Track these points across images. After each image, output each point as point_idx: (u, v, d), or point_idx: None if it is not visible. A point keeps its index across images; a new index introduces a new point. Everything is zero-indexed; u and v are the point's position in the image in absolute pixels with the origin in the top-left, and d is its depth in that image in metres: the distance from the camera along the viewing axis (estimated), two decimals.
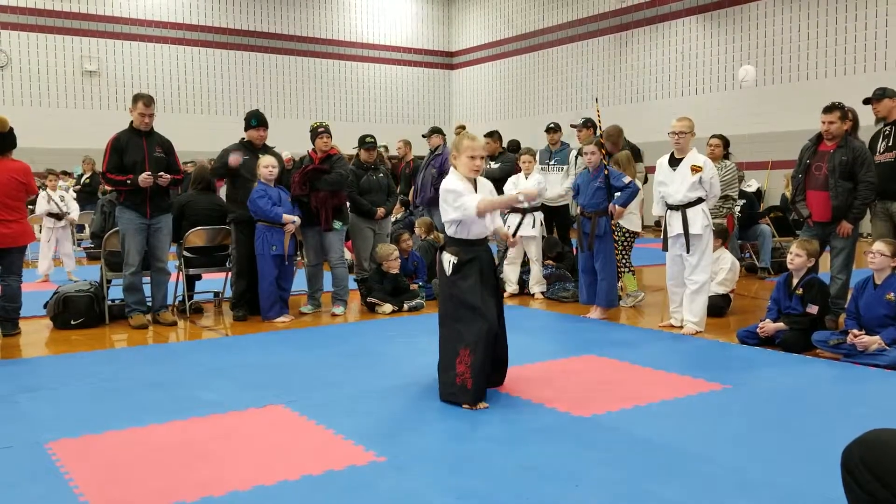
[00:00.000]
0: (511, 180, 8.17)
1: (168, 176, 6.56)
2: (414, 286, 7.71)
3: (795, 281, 5.79)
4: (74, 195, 15.58)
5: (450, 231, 4.39)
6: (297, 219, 6.87)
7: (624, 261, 7.67)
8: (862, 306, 5.34)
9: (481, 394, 4.20)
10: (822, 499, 2.89)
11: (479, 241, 4.41)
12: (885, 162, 6.32)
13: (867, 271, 5.47)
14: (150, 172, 6.44)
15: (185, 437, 3.74)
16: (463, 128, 4.21)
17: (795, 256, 5.76)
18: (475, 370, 4.13)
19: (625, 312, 7.30)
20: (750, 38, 17.17)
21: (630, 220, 7.44)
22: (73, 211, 10.27)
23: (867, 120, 6.86)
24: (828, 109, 6.25)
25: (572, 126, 8.90)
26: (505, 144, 10.18)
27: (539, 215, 8.07)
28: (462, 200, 4.21)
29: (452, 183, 4.31)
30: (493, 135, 8.94)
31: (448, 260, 4.32)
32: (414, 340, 6.10)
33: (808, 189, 6.37)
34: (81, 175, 15.87)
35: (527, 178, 8.11)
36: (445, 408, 4.17)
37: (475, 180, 4.41)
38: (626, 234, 7.63)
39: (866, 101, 6.60)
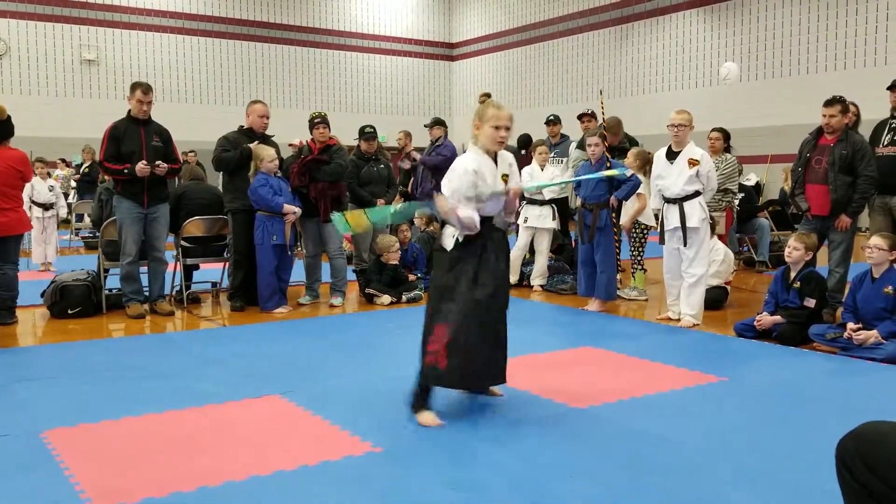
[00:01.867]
0: (526, 171, 8.18)
1: (165, 165, 6.54)
2: (412, 277, 7.71)
3: (793, 274, 5.79)
4: (75, 185, 15.67)
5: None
6: (297, 209, 6.86)
7: (638, 258, 7.66)
8: (860, 300, 5.34)
9: (459, 379, 3.76)
10: (818, 491, 2.89)
11: (487, 219, 3.89)
12: (888, 155, 6.30)
13: (865, 265, 5.47)
14: (146, 162, 6.42)
15: (181, 427, 3.74)
16: (488, 95, 3.73)
17: (793, 250, 5.76)
18: (452, 349, 3.68)
19: (623, 305, 7.29)
20: (750, 31, 17.14)
21: (644, 213, 7.45)
22: (62, 207, 10.21)
23: (867, 113, 6.86)
24: (829, 103, 6.24)
25: (578, 118, 8.89)
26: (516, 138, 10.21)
27: (553, 208, 8.07)
28: (458, 206, 3.72)
29: (472, 162, 3.78)
30: None
31: (451, 234, 3.85)
32: (412, 332, 6.08)
33: (807, 182, 6.38)
34: (81, 164, 15.85)
35: (542, 169, 8.12)
36: (442, 399, 4.16)
37: (496, 156, 3.92)
38: (642, 229, 7.63)
39: (891, 87, 6.56)
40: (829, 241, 6.41)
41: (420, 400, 3.82)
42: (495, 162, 3.91)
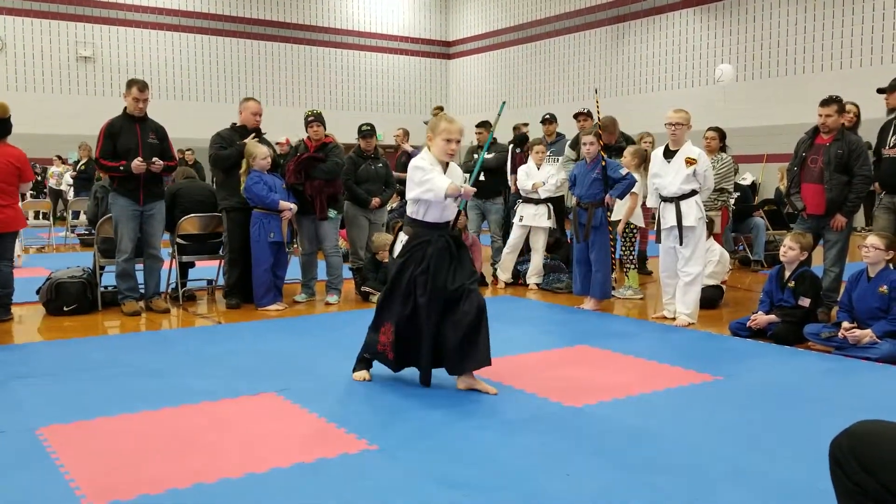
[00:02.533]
0: (522, 169, 8.18)
1: (161, 162, 6.53)
2: None
3: (788, 273, 5.80)
4: (71, 181, 15.63)
5: (409, 210, 4.31)
6: (293, 206, 6.86)
7: (630, 257, 7.68)
8: (855, 299, 5.35)
9: (402, 365, 4.39)
10: (813, 489, 2.90)
11: (436, 225, 4.28)
12: (894, 157, 6.32)
13: (861, 264, 5.48)
14: (142, 159, 6.41)
15: (176, 425, 3.74)
16: (441, 109, 3.97)
17: (788, 249, 5.77)
18: (396, 346, 4.28)
19: (618, 304, 7.30)
20: (747, 31, 17.16)
21: (634, 214, 7.46)
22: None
23: (866, 112, 6.88)
24: (825, 103, 6.25)
25: (574, 117, 8.90)
26: (509, 136, 10.21)
27: (549, 206, 8.07)
28: (432, 182, 4.08)
29: (421, 160, 4.22)
30: (485, 125, 8.90)
31: (401, 240, 4.31)
32: None
33: (802, 182, 6.39)
34: (77, 161, 15.82)
35: (538, 168, 8.12)
36: (438, 396, 4.17)
37: (447, 165, 4.31)
38: (632, 229, 7.64)
39: (880, 91, 6.60)
40: (824, 240, 6.42)
41: (362, 364, 4.53)
42: (444, 171, 4.26)
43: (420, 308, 4.21)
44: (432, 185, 4.08)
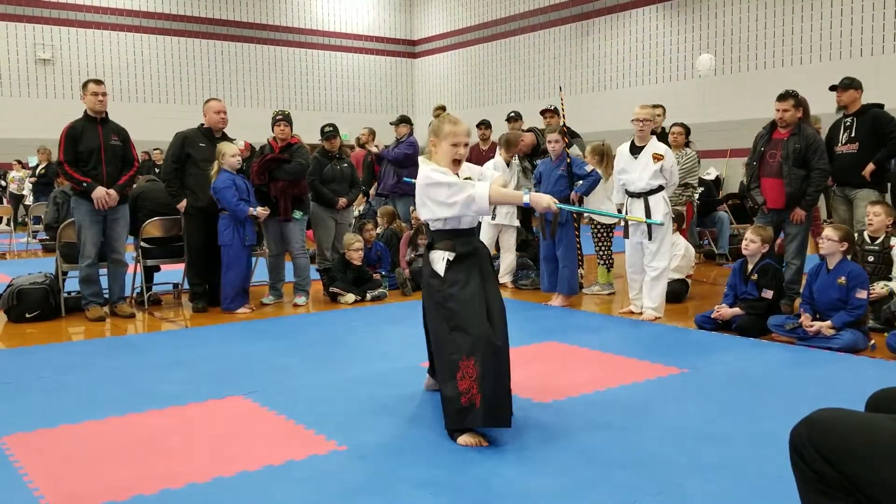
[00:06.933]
0: (489, 164, 8.16)
1: (115, 195, 6.44)
2: (377, 276, 7.69)
3: (750, 266, 5.89)
4: (31, 186, 15.36)
5: (436, 225, 3.64)
6: (267, 210, 6.82)
7: (603, 254, 7.72)
8: (816, 290, 5.45)
9: (498, 415, 3.39)
10: (776, 479, 2.95)
11: (473, 231, 3.70)
12: (846, 153, 6.45)
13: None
14: (106, 191, 6.35)
15: (143, 430, 3.69)
16: (443, 109, 3.42)
17: (750, 242, 5.86)
18: (484, 382, 3.34)
19: (586, 300, 7.36)
20: (709, 27, 17.36)
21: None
22: None
23: (824, 107, 6.99)
24: (782, 97, 6.35)
25: (541, 113, 8.93)
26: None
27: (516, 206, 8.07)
28: (467, 193, 3.45)
29: (436, 175, 3.53)
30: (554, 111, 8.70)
31: (441, 257, 3.56)
32: (376, 330, 6.10)
33: (762, 176, 6.48)
34: (37, 165, 15.55)
35: (508, 165, 8.10)
36: (406, 397, 4.17)
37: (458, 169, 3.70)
38: (600, 227, 7.69)
39: (833, 88, 6.72)
40: (784, 233, 6.53)
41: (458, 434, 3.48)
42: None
43: (498, 339, 3.48)
44: (472, 194, 3.46)
